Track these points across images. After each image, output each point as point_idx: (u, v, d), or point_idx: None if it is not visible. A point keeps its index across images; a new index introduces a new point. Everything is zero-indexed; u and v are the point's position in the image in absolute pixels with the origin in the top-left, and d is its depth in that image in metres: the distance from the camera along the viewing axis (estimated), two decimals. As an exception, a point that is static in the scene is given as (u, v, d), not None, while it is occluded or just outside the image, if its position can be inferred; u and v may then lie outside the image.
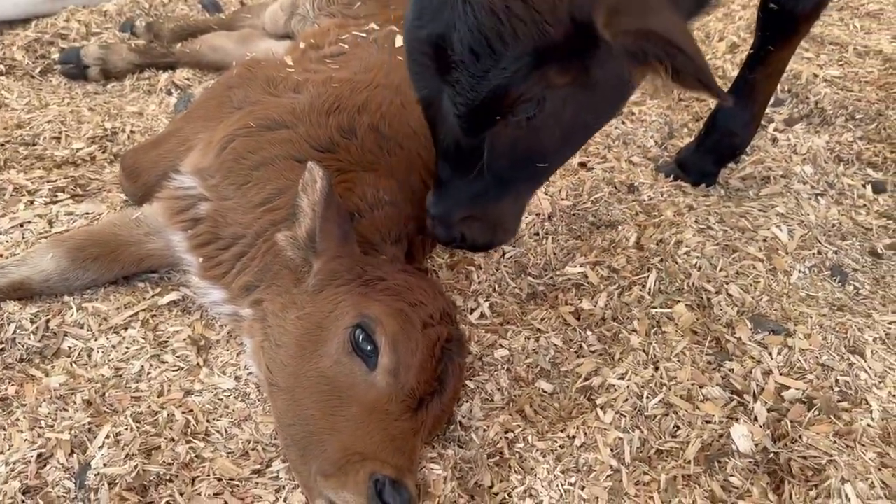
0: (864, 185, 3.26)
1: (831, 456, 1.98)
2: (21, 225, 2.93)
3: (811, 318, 2.47)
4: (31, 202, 3.07)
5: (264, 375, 2.15)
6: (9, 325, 2.47)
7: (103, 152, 3.50)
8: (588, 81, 1.77)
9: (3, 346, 2.43)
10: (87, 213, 3.01)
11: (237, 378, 2.36)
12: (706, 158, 3.14)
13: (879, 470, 1.96)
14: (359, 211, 2.41)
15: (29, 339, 2.46)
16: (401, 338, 2.00)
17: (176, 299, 2.66)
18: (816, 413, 2.09)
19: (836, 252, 2.85)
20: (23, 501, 1.98)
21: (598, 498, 1.98)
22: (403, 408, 1.96)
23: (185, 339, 2.49)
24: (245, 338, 2.37)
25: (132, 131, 3.61)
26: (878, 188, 3.26)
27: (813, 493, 1.91)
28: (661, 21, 1.63)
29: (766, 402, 2.15)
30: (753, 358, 2.30)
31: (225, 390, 2.32)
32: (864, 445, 2.05)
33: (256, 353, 2.23)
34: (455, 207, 2.05)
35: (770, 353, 2.31)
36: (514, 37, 1.62)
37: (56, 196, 3.12)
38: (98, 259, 2.62)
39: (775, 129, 3.59)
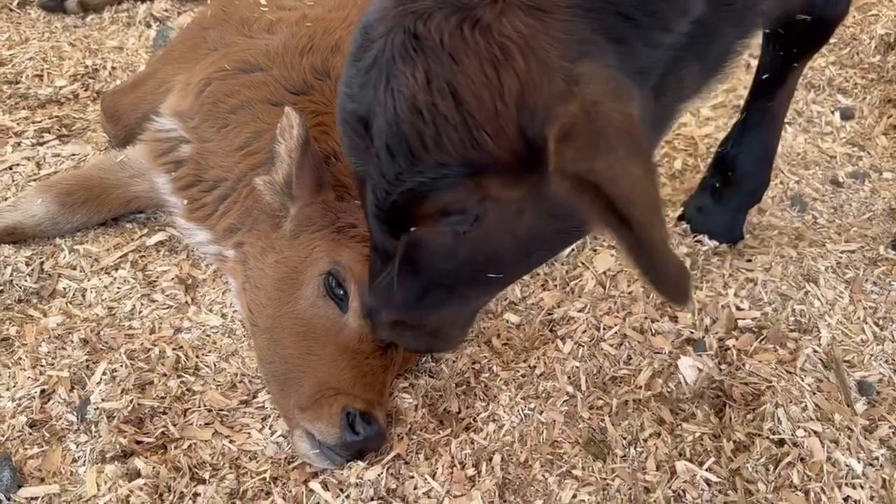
0: (832, 112, 3.33)
1: (770, 382, 2.15)
2: (10, 168, 3.03)
3: (771, 248, 2.60)
4: (18, 144, 3.15)
5: (246, 315, 2.30)
6: (5, 267, 2.60)
7: (86, 90, 3.54)
8: (546, 198, 1.37)
9: (1, 288, 2.57)
10: (74, 155, 3.10)
11: (223, 315, 2.52)
12: (726, 210, 2.66)
13: (814, 394, 2.13)
14: (334, 154, 2.50)
15: (25, 280, 2.60)
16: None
17: (163, 239, 2.78)
18: (763, 342, 2.25)
19: (797, 182, 2.96)
20: (30, 434, 2.16)
21: (555, 421, 2.17)
22: (374, 347, 2.12)
23: (173, 279, 2.63)
24: (229, 277, 2.51)
25: (113, 68, 3.65)
26: (846, 115, 3.33)
27: (750, 417, 2.10)
28: (617, 165, 1.18)
29: (716, 333, 2.31)
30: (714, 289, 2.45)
31: (212, 327, 2.47)
32: (805, 371, 2.22)
33: (239, 293, 2.38)
34: (384, 310, 1.79)
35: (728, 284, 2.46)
36: (437, 141, 1.29)
37: (42, 137, 3.20)
38: (86, 203, 2.73)
39: (749, 55, 3.62)
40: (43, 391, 2.27)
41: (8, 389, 2.27)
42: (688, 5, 1.38)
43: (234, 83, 2.67)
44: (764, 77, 2.44)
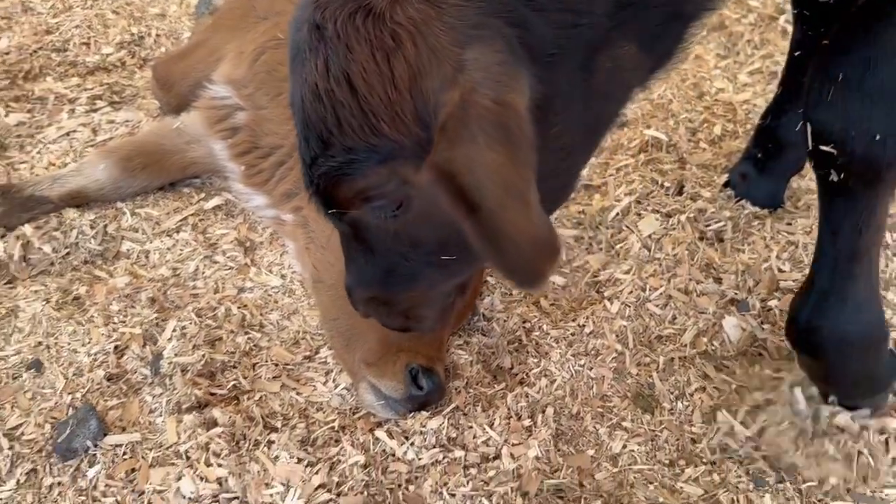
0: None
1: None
2: (67, 134, 3.14)
3: (811, 212, 2.69)
4: (73, 111, 3.26)
5: (310, 274, 2.41)
6: (71, 230, 2.73)
7: (132, 57, 3.63)
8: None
9: (67, 249, 2.70)
10: (128, 121, 3.20)
11: (283, 276, 2.63)
12: (768, 179, 2.70)
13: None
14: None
15: (90, 242, 2.72)
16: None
17: (220, 204, 2.89)
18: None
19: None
20: (108, 386, 2.30)
21: (604, 376, 2.28)
22: (435, 305, 2.23)
23: (232, 241, 2.75)
24: (287, 240, 2.62)
25: (158, 35, 3.73)
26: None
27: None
28: (474, 154, 1.19)
29: (759, 294, 2.41)
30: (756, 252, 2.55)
31: (273, 287, 2.59)
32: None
33: (301, 254, 2.49)
34: (356, 286, 1.81)
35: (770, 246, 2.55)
36: (339, 127, 1.33)
37: (94, 104, 3.30)
38: (146, 168, 2.84)
39: (785, 21, 3.66)
40: (116, 347, 2.40)
41: (83, 345, 2.40)
42: None
43: (286, 52, 2.74)
44: (797, 54, 2.44)
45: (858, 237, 1.79)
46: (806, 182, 2.85)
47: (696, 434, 2.15)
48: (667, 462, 2.10)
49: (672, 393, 2.23)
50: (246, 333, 2.43)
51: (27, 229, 2.70)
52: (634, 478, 2.06)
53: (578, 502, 1.99)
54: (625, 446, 2.14)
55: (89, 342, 2.41)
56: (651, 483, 2.05)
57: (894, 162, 1.67)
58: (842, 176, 1.71)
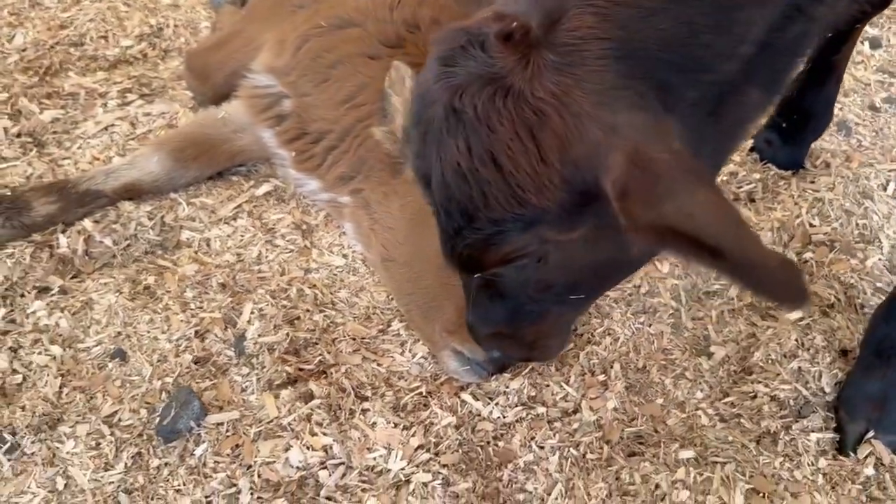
0: (862, 42, 3.59)
1: (850, 285, 2.47)
2: (106, 129, 3.19)
3: (831, 170, 2.90)
4: (105, 105, 3.30)
5: (378, 253, 2.53)
6: (130, 222, 2.80)
7: (153, 49, 3.66)
8: (609, 231, 1.39)
9: (128, 241, 2.77)
10: (164, 113, 3.26)
11: (345, 256, 2.75)
12: (792, 145, 2.92)
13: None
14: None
15: (149, 233, 2.80)
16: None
17: (270, 190, 2.99)
18: (837, 253, 2.56)
19: (840, 109, 3.24)
20: (197, 369, 2.40)
21: (662, 332, 2.47)
22: (505, 273, 2.38)
23: (289, 225, 2.85)
24: (346, 222, 2.73)
25: (176, 26, 3.76)
26: (875, 44, 3.61)
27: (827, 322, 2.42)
28: (683, 203, 1.19)
29: (794, 247, 2.61)
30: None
31: (337, 267, 2.71)
32: (872, 277, 2.53)
33: (366, 235, 2.60)
34: (482, 323, 1.90)
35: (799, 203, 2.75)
36: (485, 202, 1.38)
37: (125, 97, 3.34)
38: (198, 158, 2.91)
39: None
40: (197, 332, 2.50)
41: (163, 332, 2.50)
42: (734, 51, 1.39)
43: (331, 39, 2.84)
44: (829, 35, 2.50)
45: None
46: (820, 142, 3.06)
47: (749, 378, 2.34)
48: (728, 403, 2.29)
49: (726, 342, 2.42)
50: (321, 311, 2.55)
51: (87, 224, 2.76)
52: (702, 421, 2.25)
53: (658, 446, 2.18)
54: (689, 393, 2.32)
55: (168, 329, 2.50)
56: (718, 424, 2.24)
57: None
58: None
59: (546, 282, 1.64)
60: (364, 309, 2.59)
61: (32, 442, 2.22)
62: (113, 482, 2.16)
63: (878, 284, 2.49)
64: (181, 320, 2.52)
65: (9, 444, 2.21)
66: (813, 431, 2.16)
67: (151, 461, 2.20)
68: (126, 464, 2.19)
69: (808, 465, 2.09)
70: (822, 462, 2.10)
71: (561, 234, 1.46)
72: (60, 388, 2.34)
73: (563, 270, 1.60)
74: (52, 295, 2.59)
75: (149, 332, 2.50)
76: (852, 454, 2.10)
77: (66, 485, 2.15)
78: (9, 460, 2.19)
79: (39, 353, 2.43)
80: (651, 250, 1.50)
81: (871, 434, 2.12)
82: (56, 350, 2.43)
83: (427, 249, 2.41)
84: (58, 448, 2.22)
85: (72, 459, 2.20)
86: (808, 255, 2.60)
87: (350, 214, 2.70)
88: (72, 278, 2.66)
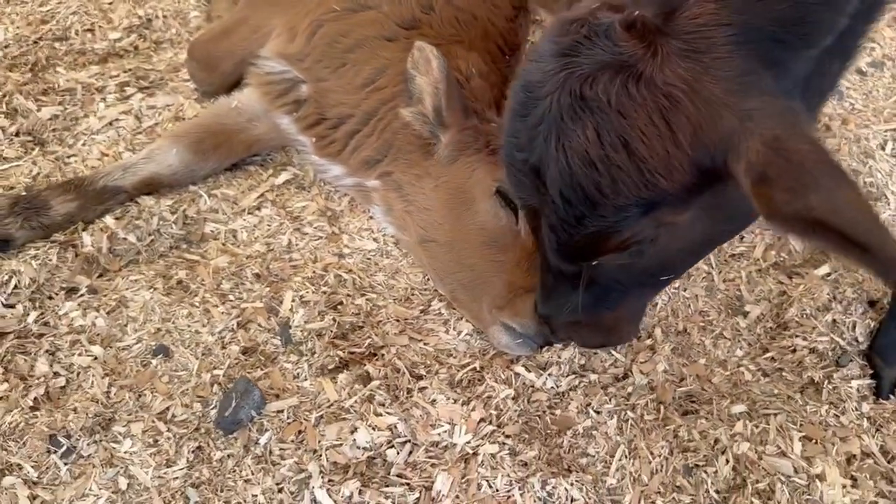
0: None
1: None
2: (110, 124, 3.11)
3: (833, 132, 3.03)
4: (104, 99, 3.21)
5: (417, 235, 2.54)
6: (152, 217, 2.75)
7: (144, 41, 3.56)
8: (714, 210, 1.54)
9: (151, 237, 2.72)
10: (169, 106, 3.19)
11: (375, 240, 2.76)
12: None
13: None
14: (458, 84, 2.73)
15: (172, 228, 2.75)
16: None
17: (289, 178, 2.97)
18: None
19: (831, 74, 3.37)
20: (246, 359, 2.39)
21: (697, 296, 2.56)
22: (546, 247, 2.43)
23: (314, 213, 2.84)
24: (376, 205, 2.73)
25: (164, 16, 3.67)
26: (853, 11, 3.76)
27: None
28: (831, 196, 1.22)
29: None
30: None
31: (370, 251, 2.72)
32: (883, 231, 2.67)
33: (400, 217, 2.61)
34: (560, 313, 1.93)
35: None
36: (613, 187, 1.41)
37: (124, 91, 3.26)
38: (216, 149, 2.87)
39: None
40: (239, 322, 2.48)
41: (204, 326, 2.48)
42: (835, 24, 1.46)
43: (346, 23, 2.83)
44: None
45: None
46: (818, 107, 3.19)
47: (787, 333, 2.45)
48: (769, 358, 2.39)
49: (759, 301, 2.53)
50: (363, 295, 2.56)
51: (109, 221, 2.71)
52: (746, 377, 2.34)
53: (710, 403, 2.27)
54: (729, 351, 2.42)
55: (209, 322, 2.48)
56: (761, 378, 2.34)
57: None
58: None
59: (648, 264, 1.66)
60: (403, 291, 2.61)
61: (88, 444, 2.19)
62: (178, 478, 2.14)
63: (893, 238, 2.62)
64: (222, 312, 2.50)
65: (65, 448, 2.17)
66: (853, 379, 2.27)
67: (214, 454, 2.19)
68: (188, 459, 2.18)
69: (853, 410, 2.21)
70: (865, 407, 2.22)
71: (675, 216, 1.50)
72: (108, 387, 2.30)
73: (665, 252, 1.64)
74: (82, 295, 2.54)
75: (189, 326, 2.47)
76: (893, 397, 2.23)
77: (129, 484, 2.13)
78: (66, 464, 2.15)
79: (80, 355, 2.38)
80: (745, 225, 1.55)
81: (907, 377, 2.25)
82: (97, 350, 2.39)
83: (468, 228, 2.45)
84: (115, 448, 2.19)
85: (131, 458, 2.17)
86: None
87: (380, 198, 2.70)
88: (98, 277, 2.61)
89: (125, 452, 2.18)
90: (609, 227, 1.48)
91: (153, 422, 2.25)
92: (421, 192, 2.56)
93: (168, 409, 2.29)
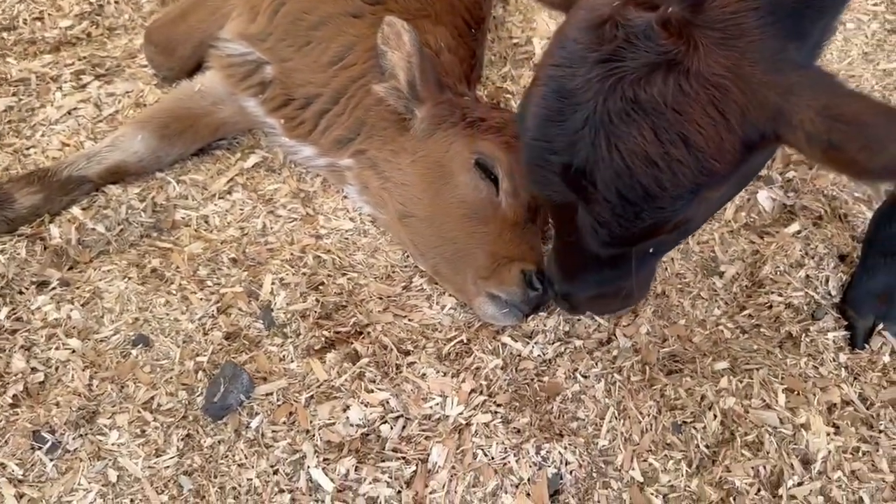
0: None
1: (834, 198, 2.68)
2: (69, 113, 3.02)
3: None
4: (60, 88, 3.12)
5: (396, 211, 2.53)
6: (120, 206, 2.69)
7: (96, 28, 3.45)
8: (740, 178, 1.66)
9: (121, 226, 2.66)
10: (129, 92, 3.11)
11: (352, 219, 2.73)
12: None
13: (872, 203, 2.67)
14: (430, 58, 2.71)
15: (141, 216, 2.70)
16: (513, 165, 2.41)
17: (258, 161, 2.92)
18: (816, 170, 2.76)
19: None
20: (230, 344, 2.36)
21: (673, 258, 2.60)
22: (526, 217, 2.44)
23: (287, 195, 2.81)
24: (350, 184, 2.71)
25: (117, 2, 3.55)
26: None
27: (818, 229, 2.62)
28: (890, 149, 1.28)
29: (777, 168, 2.80)
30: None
31: (347, 230, 2.70)
32: (850, 188, 2.75)
33: (377, 195, 2.59)
34: (584, 291, 1.97)
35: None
36: (673, 180, 1.47)
37: (80, 79, 3.16)
38: (182, 134, 2.81)
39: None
40: (219, 308, 2.45)
41: (183, 313, 2.43)
42: None
43: (309, 1, 2.78)
44: None
45: None
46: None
47: (762, 291, 2.51)
48: (746, 315, 2.45)
49: (733, 261, 2.58)
50: (343, 275, 2.54)
51: (76, 211, 2.64)
52: (725, 335, 2.40)
53: (693, 362, 2.32)
54: (708, 311, 2.47)
55: (188, 309, 2.44)
56: (740, 335, 2.40)
57: None
58: None
59: (679, 236, 1.74)
60: (383, 269, 2.60)
61: (73, 438, 2.15)
62: (169, 466, 2.11)
63: (857, 194, 2.70)
64: (200, 299, 2.46)
65: (50, 443, 2.12)
66: (829, 331, 2.34)
67: (204, 440, 2.16)
68: (178, 447, 2.15)
69: (831, 361, 2.28)
70: (842, 357, 2.29)
71: (716, 192, 1.58)
72: (90, 380, 2.25)
73: (699, 221, 1.72)
74: (53, 288, 2.47)
75: (168, 314, 2.43)
76: (867, 346, 2.31)
77: (118, 476, 2.10)
78: (51, 460, 2.11)
79: (57, 349, 2.33)
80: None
81: (880, 327, 2.33)
82: (75, 343, 2.34)
83: (447, 201, 2.45)
84: (101, 441, 2.15)
85: (119, 450, 2.14)
86: (790, 174, 2.78)
87: (355, 177, 2.68)
88: (69, 269, 2.55)
89: (112, 444, 2.14)
90: (664, 217, 1.55)
91: (139, 412, 2.21)
92: (398, 168, 2.55)
93: (153, 398, 2.25)
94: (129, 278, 2.51)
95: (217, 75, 2.90)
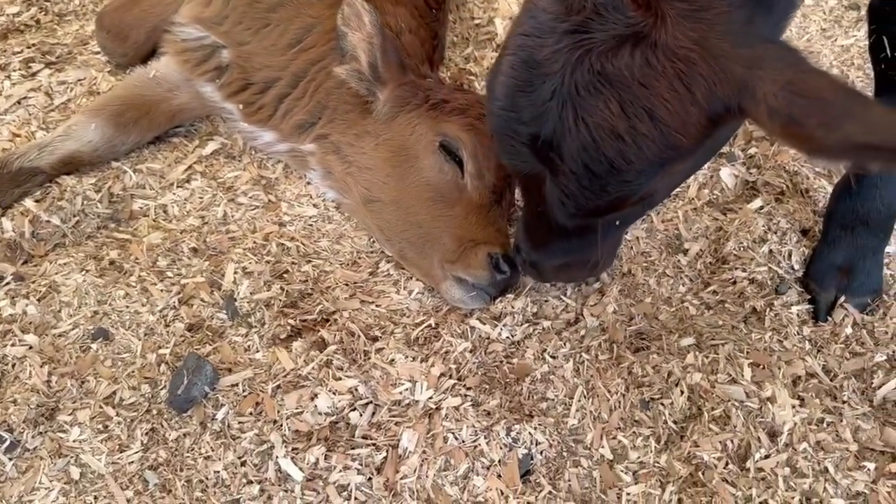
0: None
1: (795, 174, 2.70)
2: (18, 102, 2.93)
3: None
4: (9, 76, 3.02)
5: (360, 196, 2.49)
6: (75, 197, 2.62)
7: (45, 14, 3.35)
8: (705, 151, 1.64)
9: (77, 218, 2.60)
10: (81, 80, 3.03)
11: (315, 206, 2.69)
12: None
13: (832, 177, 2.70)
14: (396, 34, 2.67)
15: (97, 207, 2.63)
16: (477, 147, 2.39)
17: (217, 148, 2.86)
18: (777, 146, 2.78)
19: None
20: (192, 336, 2.31)
21: (638, 237, 2.60)
22: (491, 199, 2.42)
23: (247, 182, 2.75)
24: (313, 169, 2.66)
25: (66, -14, 3.46)
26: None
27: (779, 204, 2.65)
28: (862, 120, 1.27)
29: (739, 145, 2.81)
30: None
31: (311, 217, 2.66)
32: (811, 163, 2.77)
33: (341, 180, 2.55)
34: (552, 259, 2.00)
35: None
36: (639, 154, 1.46)
37: (30, 67, 3.07)
38: (137, 122, 2.74)
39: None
40: (181, 299, 2.40)
41: (143, 305, 2.38)
42: None
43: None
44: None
45: None
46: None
47: (726, 267, 2.53)
48: (711, 291, 2.46)
49: (697, 238, 2.60)
50: (308, 262, 2.50)
51: (29, 204, 2.56)
52: (691, 311, 2.41)
53: (659, 339, 2.33)
54: (673, 288, 2.48)
55: (149, 301, 2.39)
56: (705, 312, 2.42)
57: None
58: None
59: (644, 208, 1.74)
60: (349, 255, 2.57)
61: (33, 436, 2.10)
62: (133, 462, 2.07)
63: (818, 169, 2.73)
64: (161, 290, 2.41)
65: (8, 442, 2.07)
66: (792, 305, 2.36)
67: (169, 434, 2.12)
68: (142, 441, 2.10)
69: (795, 334, 2.30)
70: (806, 330, 2.31)
71: (681, 165, 1.57)
72: (49, 376, 2.19)
73: (660, 194, 1.72)
74: (7, 283, 2.41)
75: (127, 306, 2.38)
76: (830, 318, 2.34)
77: (81, 473, 2.05)
78: (10, 459, 2.06)
79: (13, 345, 2.26)
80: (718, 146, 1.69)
81: (842, 299, 2.36)
82: (31, 339, 2.27)
83: (412, 184, 2.42)
84: (62, 438, 2.10)
85: (81, 447, 2.09)
86: (752, 150, 2.80)
87: (318, 162, 2.63)
88: (24, 263, 2.48)
89: (74, 441, 2.09)
90: (630, 190, 1.55)
91: (100, 407, 2.16)
92: (361, 152, 2.51)
93: (115, 393, 2.20)
94: (87, 271, 2.44)
95: (172, 61, 2.83)
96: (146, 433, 2.12)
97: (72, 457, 2.07)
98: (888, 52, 2.06)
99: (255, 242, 2.55)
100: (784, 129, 1.34)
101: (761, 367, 2.22)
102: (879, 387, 2.17)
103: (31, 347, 2.25)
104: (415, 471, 2.05)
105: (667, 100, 1.43)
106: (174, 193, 2.70)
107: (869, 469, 2.01)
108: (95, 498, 2.01)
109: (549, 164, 1.59)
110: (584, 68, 1.45)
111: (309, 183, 2.74)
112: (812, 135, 1.30)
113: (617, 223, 1.82)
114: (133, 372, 2.23)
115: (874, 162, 1.29)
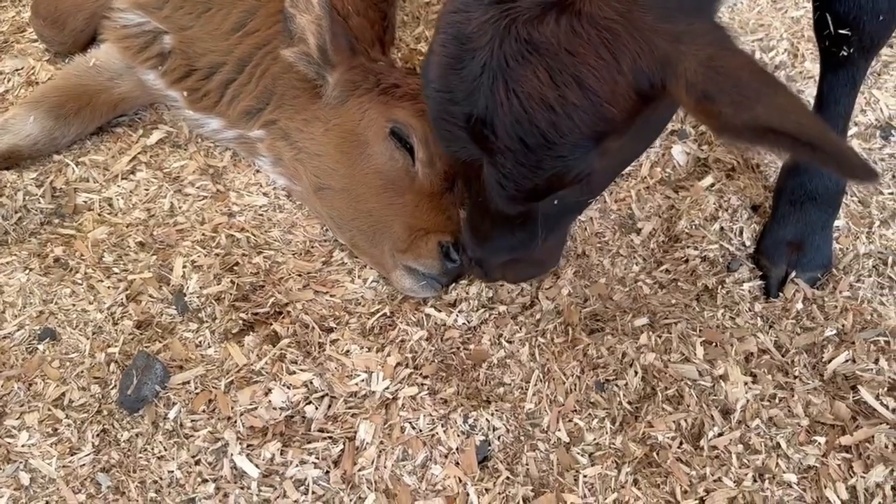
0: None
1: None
2: (-48, 94, 2.82)
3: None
4: (-59, 68, 2.91)
5: (310, 183, 2.45)
6: (16, 193, 2.54)
7: (-22, 1, 3.24)
8: (641, 131, 1.62)
9: (19, 214, 2.52)
10: (18, 70, 2.93)
11: (265, 194, 2.64)
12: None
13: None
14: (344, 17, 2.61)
15: (40, 202, 2.56)
16: (428, 134, 2.36)
17: (162, 137, 2.79)
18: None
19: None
20: (141, 333, 2.27)
21: (592, 218, 2.60)
22: (442, 187, 2.39)
23: (194, 171, 2.69)
24: (262, 156, 2.61)
25: (-1, -27, 3.33)
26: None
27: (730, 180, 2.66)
28: (772, 103, 1.28)
29: (691, 121, 2.81)
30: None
31: (261, 206, 2.61)
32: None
33: (291, 167, 2.51)
34: (496, 255, 1.97)
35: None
36: (570, 125, 1.44)
37: (-38, 57, 2.96)
38: (78, 113, 2.66)
39: None
40: (128, 296, 2.35)
41: (90, 303, 2.33)
42: None
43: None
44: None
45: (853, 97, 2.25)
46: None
47: (678, 245, 2.55)
48: (664, 270, 2.47)
49: (650, 217, 2.60)
50: (259, 253, 2.46)
51: (-34, 202, 2.48)
52: (644, 291, 2.42)
53: (613, 320, 2.33)
54: (625, 268, 2.49)
55: (96, 299, 2.33)
56: (658, 291, 2.43)
57: (888, 35, 2.11)
58: (850, 50, 2.09)
59: (582, 192, 1.69)
60: (301, 244, 2.53)
61: (-22, 443, 2.04)
62: (85, 464, 2.04)
63: (768, 144, 2.75)
64: (108, 287, 2.36)
65: (-48, 451, 2.01)
66: (744, 282, 2.39)
67: (121, 435, 2.08)
68: (93, 443, 2.07)
69: (746, 311, 2.33)
70: (758, 306, 2.34)
71: (615, 143, 1.54)
72: (-7, 380, 2.14)
73: (600, 178, 1.69)
74: (-53, 285, 2.33)
75: (74, 305, 2.32)
76: (781, 294, 2.37)
77: (31, 479, 2.01)
78: (-44, 468, 2.00)
79: (-45, 350, 2.19)
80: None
81: (793, 275, 2.38)
82: (-27, 343, 2.21)
83: (363, 172, 2.39)
84: (10, 443, 2.06)
85: (30, 451, 2.05)
86: (703, 127, 2.81)
87: (266, 149, 2.58)
88: (-37, 264, 2.40)
89: (23, 446, 2.05)
90: (565, 166, 1.51)
91: (49, 410, 2.12)
92: (311, 138, 2.46)
93: (63, 394, 2.16)
94: (31, 269, 2.38)
95: (113, 48, 2.74)
96: (97, 435, 2.08)
97: (21, 462, 2.02)
98: (831, 28, 2.06)
99: (203, 234, 2.50)
100: (697, 105, 1.35)
101: (714, 344, 2.25)
102: (829, 361, 2.20)
103: (-27, 351, 2.19)
104: (372, 462, 2.04)
105: (594, 67, 1.42)
106: (119, 186, 2.64)
107: (820, 443, 2.05)
108: (47, 503, 1.97)
109: (485, 145, 1.56)
110: (512, 38, 1.43)
111: (258, 171, 2.69)
112: (723, 111, 1.31)
113: (559, 214, 1.80)
114: (82, 372, 2.19)
115: (775, 146, 1.31)
